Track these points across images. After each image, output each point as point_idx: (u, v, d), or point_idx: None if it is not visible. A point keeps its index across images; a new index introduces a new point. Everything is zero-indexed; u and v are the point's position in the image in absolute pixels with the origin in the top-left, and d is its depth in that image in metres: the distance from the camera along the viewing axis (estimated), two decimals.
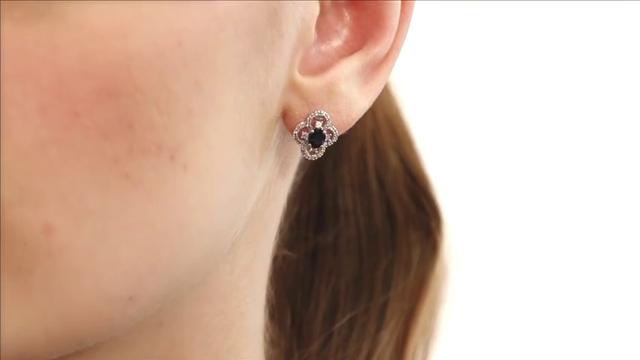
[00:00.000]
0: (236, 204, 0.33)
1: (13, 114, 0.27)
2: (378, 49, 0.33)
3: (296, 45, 0.32)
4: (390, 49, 0.34)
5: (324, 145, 0.34)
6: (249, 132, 0.32)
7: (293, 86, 0.33)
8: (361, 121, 0.35)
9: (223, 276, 0.35)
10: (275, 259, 0.40)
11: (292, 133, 0.33)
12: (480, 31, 0.81)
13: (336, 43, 0.34)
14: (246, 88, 0.31)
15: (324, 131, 0.33)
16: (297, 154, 0.36)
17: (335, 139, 0.34)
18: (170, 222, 0.30)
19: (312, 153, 0.34)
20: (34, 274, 0.28)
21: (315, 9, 0.33)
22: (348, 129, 0.34)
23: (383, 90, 0.35)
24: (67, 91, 0.27)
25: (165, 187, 0.30)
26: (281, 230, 0.40)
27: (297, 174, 0.39)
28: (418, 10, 0.35)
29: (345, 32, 0.34)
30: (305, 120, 0.33)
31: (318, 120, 0.33)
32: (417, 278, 0.47)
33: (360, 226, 0.47)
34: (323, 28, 0.33)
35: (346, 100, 0.33)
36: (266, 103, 0.32)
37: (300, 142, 0.33)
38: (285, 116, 0.33)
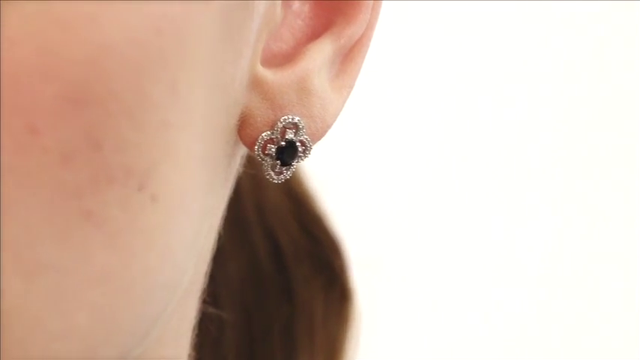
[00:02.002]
0: (196, 243, 0.25)
1: None
2: (352, 30, 0.26)
3: (260, 27, 0.25)
4: (365, 30, 0.27)
5: (296, 163, 0.27)
6: (213, 147, 0.25)
7: (255, 83, 0.25)
8: None
9: (151, 344, 0.27)
10: None
11: (253, 148, 0.26)
12: (477, 30, 0.76)
13: (295, 23, 0.26)
14: (215, 90, 0.24)
15: (297, 143, 0.26)
16: (234, 174, 0.29)
17: (308, 154, 0.27)
18: (134, 274, 0.23)
19: (279, 173, 0.27)
20: None
21: None
22: (320, 140, 0.27)
23: None
24: (23, 100, 0.20)
25: (131, 228, 0.22)
26: None
27: None
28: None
29: (304, 9, 0.26)
30: (271, 129, 0.26)
31: (289, 128, 0.26)
32: (328, 341, 0.38)
33: (241, 271, 0.39)
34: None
35: (320, 101, 0.26)
36: (230, 108, 0.25)
37: (263, 160, 0.26)
38: (244, 124, 0.26)
